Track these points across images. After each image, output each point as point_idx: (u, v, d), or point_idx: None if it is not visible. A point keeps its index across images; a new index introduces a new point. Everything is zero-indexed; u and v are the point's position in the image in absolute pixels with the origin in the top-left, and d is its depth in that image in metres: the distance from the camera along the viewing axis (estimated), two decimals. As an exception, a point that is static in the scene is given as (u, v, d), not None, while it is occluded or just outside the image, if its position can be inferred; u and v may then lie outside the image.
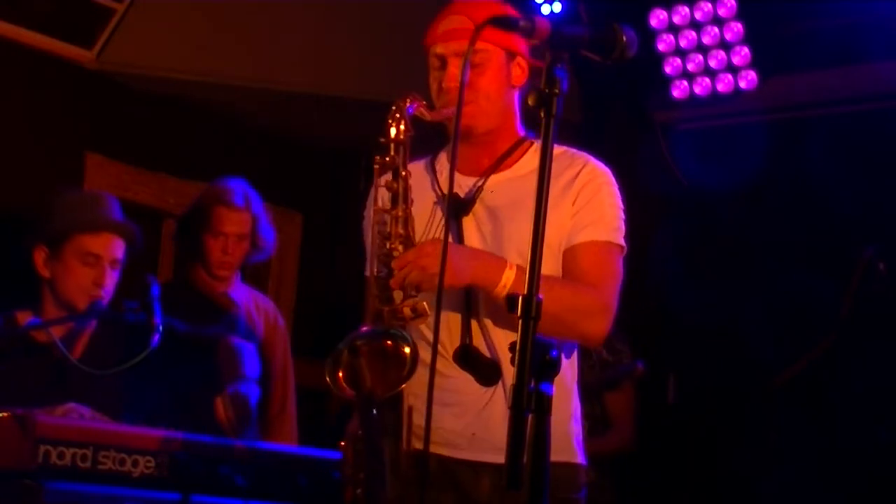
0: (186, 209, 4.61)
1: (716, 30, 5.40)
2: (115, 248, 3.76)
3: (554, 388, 2.82)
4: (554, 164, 2.87)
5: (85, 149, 5.51)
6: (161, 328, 3.61)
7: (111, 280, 3.75)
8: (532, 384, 2.14)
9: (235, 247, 4.40)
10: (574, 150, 2.99)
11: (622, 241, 2.93)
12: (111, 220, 3.80)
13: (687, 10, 5.44)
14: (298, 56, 5.57)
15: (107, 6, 5.27)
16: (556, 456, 2.84)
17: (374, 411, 2.68)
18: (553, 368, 2.17)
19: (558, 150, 2.96)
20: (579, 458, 2.95)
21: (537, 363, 2.15)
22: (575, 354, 2.99)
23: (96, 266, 3.72)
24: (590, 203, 2.90)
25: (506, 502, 2.13)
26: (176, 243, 4.89)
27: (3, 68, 5.20)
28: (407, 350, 2.66)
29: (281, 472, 3.44)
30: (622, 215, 2.94)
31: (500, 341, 2.84)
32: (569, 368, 2.96)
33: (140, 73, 5.49)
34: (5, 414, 3.10)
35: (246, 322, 4.42)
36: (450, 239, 2.87)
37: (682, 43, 5.48)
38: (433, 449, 2.85)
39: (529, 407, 2.12)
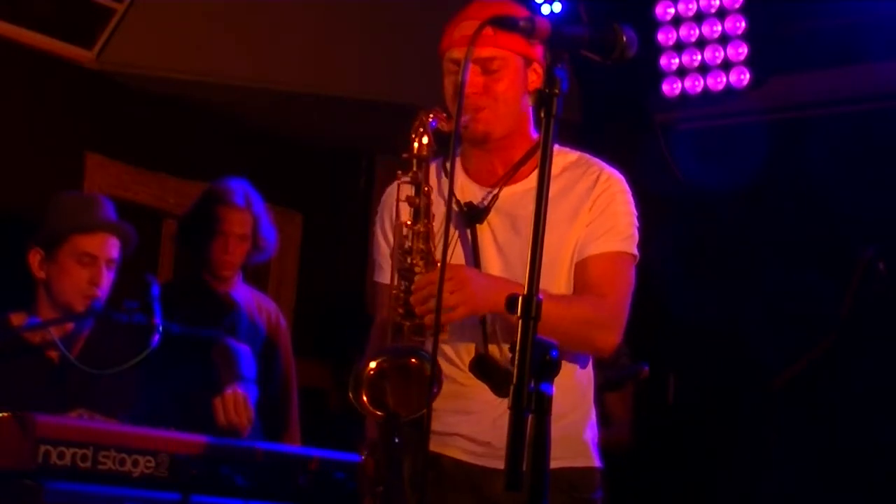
0: (188, 209, 4.61)
1: (718, 25, 5.41)
2: (111, 247, 3.76)
3: (570, 394, 2.88)
4: (568, 174, 2.91)
5: (85, 149, 5.51)
6: (161, 328, 3.61)
7: (107, 280, 3.75)
8: (532, 384, 2.13)
9: (237, 247, 4.40)
10: (588, 157, 2.98)
11: (634, 251, 2.92)
12: (106, 219, 3.81)
13: (695, 2, 5.45)
14: (298, 56, 5.57)
15: (107, 6, 5.27)
16: (574, 461, 2.89)
17: (397, 433, 2.68)
18: (553, 368, 2.17)
19: (573, 156, 2.97)
20: (596, 462, 2.97)
21: (537, 363, 2.15)
22: (590, 362, 2.99)
23: (92, 266, 3.72)
24: (603, 213, 2.89)
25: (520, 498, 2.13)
26: (177, 243, 4.89)
27: (3, 68, 5.20)
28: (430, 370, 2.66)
29: (281, 472, 3.44)
30: (636, 223, 2.93)
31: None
32: (584, 375, 2.96)
33: (140, 73, 5.50)
34: (5, 414, 3.10)
35: (248, 322, 4.42)
36: (462, 251, 2.89)
37: (682, 34, 5.48)
38: (450, 453, 2.88)
39: (529, 407, 2.12)
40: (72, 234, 3.72)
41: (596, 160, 2.99)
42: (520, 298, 2.18)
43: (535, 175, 2.88)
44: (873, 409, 4.99)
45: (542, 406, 2.13)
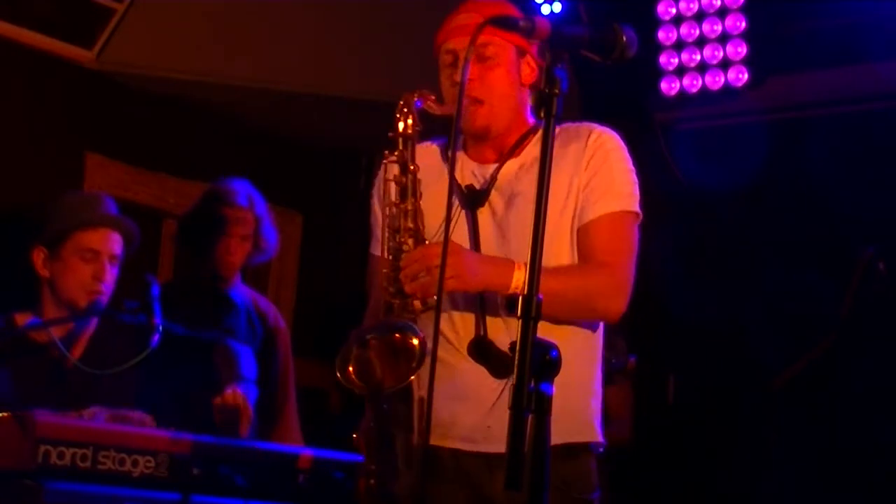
0: (189, 209, 4.61)
1: (718, 24, 5.41)
2: (113, 243, 3.77)
3: (566, 367, 2.86)
4: (559, 140, 2.83)
5: (85, 149, 5.51)
6: (161, 328, 3.61)
7: (110, 276, 3.76)
8: (532, 384, 2.13)
9: (238, 247, 4.40)
10: (577, 123, 2.97)
11: (636, 208, 2.90)
12: (108, 215, 3.82)
13: (696, 1, 5.46)
14: (298, 56, 5.57)
15: (107, 6, 5.27)
16: (575, 436, 2.85)
17: (385, 404, 2.69)
18: (553, 368, 2.17)
19: (558, 128, 2.95)
20: (599, 436, 2.95)
21: (537, 363, 2.15)
22: (595, 338, 2.96)
23: (95, 262, 3.73)
24: (598, 173, 2.88)
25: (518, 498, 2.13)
26: (177, 243, 4.89)
27: (3, 68, 5.20)
28: (415, 342, 2.67)
29: (281, 472, 3.44)
30: (634, 179, 2.92)
31: (514, 335, 2.83)
32: (584, 349, 2.93)
33: (140, 73, 5.49)
34: (5, 414, 3.10)
35: (246, 323, 4.42)
36: (464, 232, 2.89)
37: (683, 32, 5.48)
38: (448, 444, 2.87)
39: (529, 407, 2.12)
40: (74, 230, 3.74)
41: (585, 123, 2.97)
42: (520, 298, 2.19)
43: (527, 150, 2.92)
44: (873, 409, 4.99)
45: (542, 406, 2.13)
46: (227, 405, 3.72)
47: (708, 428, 5.50)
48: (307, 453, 3.54)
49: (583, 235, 2.88)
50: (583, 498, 2.91)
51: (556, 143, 2.86)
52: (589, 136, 2.93)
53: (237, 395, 3.75)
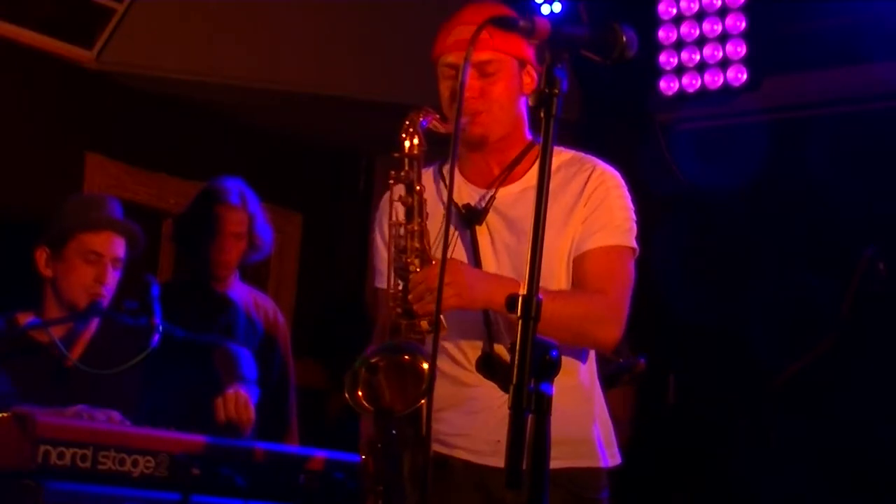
0: (183, 209, 4.61)
1: (718, 23, 5.41)
2: (117, 246, 3.78)
3: (572, 393, 2.87)
4: (562, 172, 2.92)
5: (85, 149, 5.51)
6: (161, 329, 3.62)
7: (112, 278, 3.77)
8: (532, 384, 2.13)
9: (232, 246, 4.40)
10: (582, 155, 2.99)
11: (633, 244, 2.92)
12: (113, 218, 3.83)
13: (697, 1, 5.47)
14: (298, 56, 5.57)
15: (107, 6, 5.27)
16: (578, 461, 2.87)
17: (393, 428, 2.68)
18: (553, 368, 2.17)
19: (567, 154, 2.97)
20: (602, 461, 2.95)
21: (537, 363, 2.15)
22: (593, 360, 2.99)
23: (98, 264, 3.74)
24: (599, 208, 2.90)
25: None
26: (173, 243, 4.89)
27: (3, 68, 5.20)
28: (425, 366, 2.67)
29: (281, 472, 3.43)
30: (633, 216, 2.94)
31: None
32: (586, 373, 2.96)
33: (140, 73, 5.49)
34: (5, 414, 3.10)
35: (245, 321, 4.42)
36: (462, 252, 2.90)
37: (683, 31, 5.48)
38: (459, 455, 2.90)
39: (529, 407, 2.12)
40: (78, 231, 3.74)
41: (590, 157, 2.99)
42: (520, 298, 2.18)
43: (530, 175, 2.93)
44: (873, 409, 4.99)
45: (542, 406, 2.13)
46: (228, 406, 3.72)
47: (708, 428, 5.49)
48: (307, 453, 3.54)
49: (579, 265, 2.90)
50: (592, 497, 2.91)
51: (561, 174, 2.91)
52: (592, 172, 2.94)
53: (238, 394, 3.75)
